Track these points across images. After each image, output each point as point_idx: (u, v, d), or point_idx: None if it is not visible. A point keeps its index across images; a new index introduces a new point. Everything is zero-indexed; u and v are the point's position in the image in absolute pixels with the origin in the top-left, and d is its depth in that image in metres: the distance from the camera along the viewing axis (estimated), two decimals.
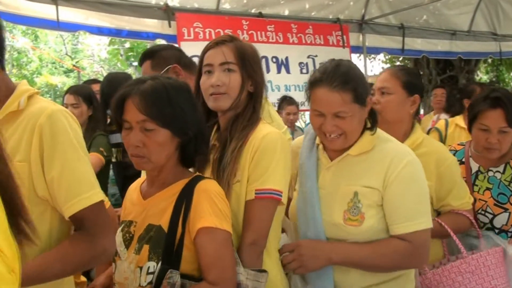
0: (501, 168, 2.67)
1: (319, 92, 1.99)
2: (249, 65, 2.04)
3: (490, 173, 2.67)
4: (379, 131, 2.12)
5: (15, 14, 5.03)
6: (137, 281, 1.76)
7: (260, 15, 6.41)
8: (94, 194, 1.64)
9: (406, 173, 1.99)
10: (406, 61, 10.85)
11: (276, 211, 1.97)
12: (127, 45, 16.18)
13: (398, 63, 11.20)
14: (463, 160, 2.75)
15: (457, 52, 8.21)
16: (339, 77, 1.95)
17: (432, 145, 2.54)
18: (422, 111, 10.71)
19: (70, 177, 1.61)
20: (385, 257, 1.97)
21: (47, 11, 5.17)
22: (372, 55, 10.09)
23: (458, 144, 2.89)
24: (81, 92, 4.05)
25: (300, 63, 6.53)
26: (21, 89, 1.67)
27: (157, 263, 1.74)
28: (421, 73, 9.97)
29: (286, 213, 2.22)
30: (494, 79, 13.30)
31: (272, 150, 1.95)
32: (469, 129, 2.70)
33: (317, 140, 2.19)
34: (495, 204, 2.62)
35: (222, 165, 1.98)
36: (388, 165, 2.00)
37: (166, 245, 1.76)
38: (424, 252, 2.02)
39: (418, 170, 2.04)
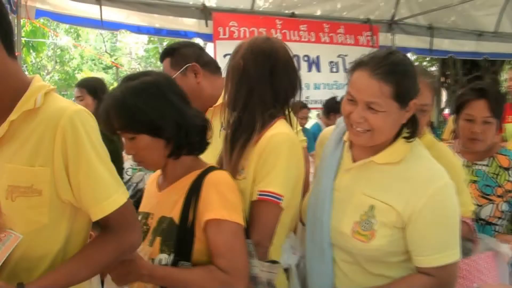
0: (486, 161, 2.62)
1: (358, 75, 1.73)
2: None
3: (476, 167, 2.63)
4: (415, 143, 1.85)
5: (62, 13, 5.10)
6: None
7: (293, 15, 6.33)
8: (118, 197, 1.54)
9: (437, 201, 1.72)
10: (433, 61, 10.70)
11: (281, 215, 1.88)
12: (165, 43, 16.28)
13: (424, 63, 11.03)
14: None
15: (483, 53, 7.99)
16: (386, 66, 1.69)
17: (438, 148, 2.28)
18: (447, 111, 10.57)
19: (94, 181, 1.51)
20: None
21: (92, 11, 5.22)
22: None
23: (447, 142, 2.85)
24: (86, 85, 3.97)
25: (331, 62, 6.46)
26: (36, 85, 1.52)
27: (169, 255, 1.72)
28: (448, 73, 9.83)
29: None
30: None
31: (277, 152, 1.86)
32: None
33: (345, 136, 1.97)
34: (480, 196, 2.58)
35: (232, 160, 1.95)
36: (416, 188, 1.74)
37: (178, 237, 1.73)
38: (450, 287, 1.80)
39: (450, 198, 1.75)
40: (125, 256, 1.63)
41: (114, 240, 1.56)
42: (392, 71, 1.69)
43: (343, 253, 1.87)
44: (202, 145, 1.90)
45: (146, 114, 1.70)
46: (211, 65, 2.63)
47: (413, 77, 1.76)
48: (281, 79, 1.97)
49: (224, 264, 1.68)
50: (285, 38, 6.03)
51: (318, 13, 6.59)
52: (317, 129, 6.50)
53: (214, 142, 2.10)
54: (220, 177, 1.80)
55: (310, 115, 7.54)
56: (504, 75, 10.85)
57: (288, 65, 2.01)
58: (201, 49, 2.70)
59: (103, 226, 1.58)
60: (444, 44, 7.51)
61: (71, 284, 1.50)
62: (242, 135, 1.94)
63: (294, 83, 2.03)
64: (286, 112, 2.05)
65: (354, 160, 1.91)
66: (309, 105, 6.50)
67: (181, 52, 2.56)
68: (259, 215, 1.86)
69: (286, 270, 2.01)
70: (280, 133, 1.90)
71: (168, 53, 2.58)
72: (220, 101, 2.46)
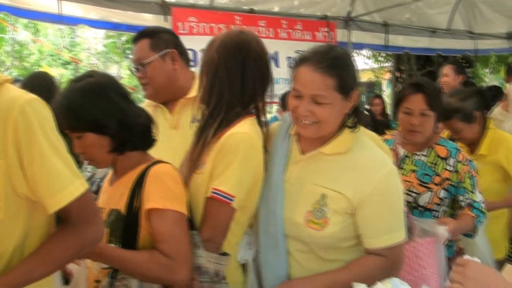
0: (425, 152, 2.74)
1: (302, 70, 1.80)
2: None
3: (416, 157, 2.75)
4: (360, 134, 1.93)
5: (21, 8, 4.99)
6: (99, 264, 1.80)
7: (252, 11, 6.36)
8: (75, 188, 1.46)
9: (384, 187, 1.82)
10: (389, 57, 10.87)
11: (233, 214, 1.88)
12: (124, 38, 16.11)
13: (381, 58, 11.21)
14: (392, 147, 2.81)
15: (436, 49, 8.24)
16: (328, 60, 1.77)
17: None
18: None
19: (48, 173, 1.43)
20: (364, 278, 1.76)
21: (51, 5, 5.14)
22: (357, 51, 10.07)
23: (389, 134, 3.00)
24: (25, 81, 3.94)
25: (288, 58, 6.46)
26: None
27: (116, 246, 1.79)
28: (403, 68, 10.00)
29: None
30: (469, 75, 13.40)
31: (233, 152, 1.84)
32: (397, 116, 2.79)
33: (291, 130, 2.02)
34: (419, 184, 2.69)
35: (194, 154, 1.97)
36: (363, 176, 1.82)
37: (124, 228, 1.80)
38: (399, 265, 1.91)
39: (395, 182, 1.87)
40: (86, 251, 1.59)
41: (73, 234, 1.51)
42: (334, 65, 1.77)
43: (297, 242, 1.91)
44: (147, 141, 1.97)
45: (90, 113, 1.78)
46: (185, 56, 2.62)
47: (353, 70, 1.85)
48: (252, 72, 1.95)
49: (166, 250, 1.74)
50: None
51: (276, 9, 6.64)
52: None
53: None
54: (162, 169, 1.86)
55: (270, 109, 7.57)
56: None
57: (259, 58, 1.99)
58: (177, 38, 2.67)
59: (62, 220, 1.52)
60: (399, 40, 7.67)
61: (29, 283, 1.45)
62: (207, 130, 1.95)
63: (264, 77, 2.01)
64: (260, 107, 2.05)
65: (303, 152, 1.96)
66: (270, 100, 6.48)
67: (161, 36, 2.53)
68: (210, 212, 1.88)
69: (244, 266, 2.03)
70: (239, 132, 1.88)
71: (147, 35, 2.53)
72: (192, 93, 2.46)
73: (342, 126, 1.91)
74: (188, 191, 1.91)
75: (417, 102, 2.63)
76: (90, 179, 2.91)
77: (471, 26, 8.54)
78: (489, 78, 13.25)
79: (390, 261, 1.84)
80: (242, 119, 1.94)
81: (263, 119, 2.06)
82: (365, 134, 2.02)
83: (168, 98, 2.56)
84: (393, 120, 8.19)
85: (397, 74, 10.27)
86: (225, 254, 1.86)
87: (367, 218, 1.83)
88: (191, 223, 1.86)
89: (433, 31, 8.05)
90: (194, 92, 2.42)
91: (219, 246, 1.88)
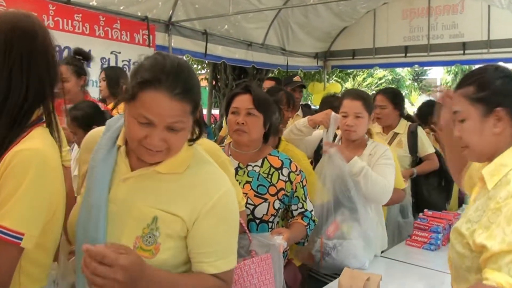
0: (259, 163, 2.73)
1: (155, 97, 1.48)
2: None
3: (249, 168, 2.73)
4: (197, 148, 1.72)
5: None
6: None
7: (68, 2, 5.74)
8: None
9: (222, 206, 1.62)
10: (205, 65, 10.93)
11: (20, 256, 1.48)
12: None
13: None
14: None
15: (251, 61, 8.55)
16: (182, 83, 1.51)
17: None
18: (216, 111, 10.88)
19: None
20: None
21: None
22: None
23: (220, 145, 2.92)
24: None
25: (102, 58, 5.99)
26: None
27: None
28: (218, 77, 10.11)
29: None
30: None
31: (19, 175, 1.43)
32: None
33: (119, 141, 1.68)
34: (255, 195, 2.66)
35: None
36: (202, 195, 1.61)
37: None
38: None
39: (233, 203, 1.68)
40: None
41: None
42: (189, 88, 1.54)
43: None
44: None
45: None
46: None
47: (199, 84, 1.63)
48: (40, 67, 1.57)
49: None
50: (58, 26, 5.46)
51: (94, 3, 6.08)
52: None
53: None
54: None
55: None
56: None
57: (48, 50, 1.61)
58: None
59: None
60: (217, 50, 7.76)
61: None
62: None
63: (53, 76, 1.63)
64: (50, 112, 1.64)
65: (133, 168, 1.65)
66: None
67: None
68: None
69: None
70: (28, 149, 1.48)
71: None
72: None
73: None
74: None
75: (244, 101, 2.65)
76: None
77: (283, 43, 9.14)
78: None
79: (227, 285, 1.66)
80: (29, 130, 1.56)
81: (54, 127, 1.66)
82: (202, 146, 1.81)
83: None
84: (209, 126, 8.22)
85: (213, 82, 10.35)
86: None
87: (202, 239, 1.61)
88: None
89: (250, 44, 8.35)
90: None
91: None
